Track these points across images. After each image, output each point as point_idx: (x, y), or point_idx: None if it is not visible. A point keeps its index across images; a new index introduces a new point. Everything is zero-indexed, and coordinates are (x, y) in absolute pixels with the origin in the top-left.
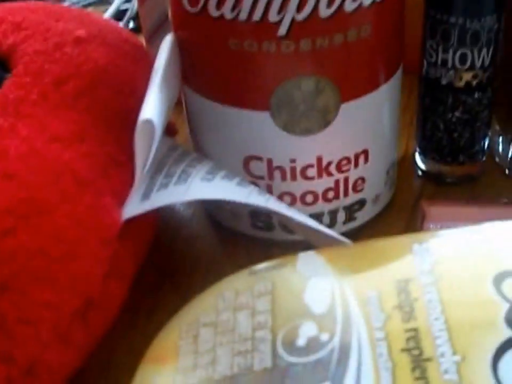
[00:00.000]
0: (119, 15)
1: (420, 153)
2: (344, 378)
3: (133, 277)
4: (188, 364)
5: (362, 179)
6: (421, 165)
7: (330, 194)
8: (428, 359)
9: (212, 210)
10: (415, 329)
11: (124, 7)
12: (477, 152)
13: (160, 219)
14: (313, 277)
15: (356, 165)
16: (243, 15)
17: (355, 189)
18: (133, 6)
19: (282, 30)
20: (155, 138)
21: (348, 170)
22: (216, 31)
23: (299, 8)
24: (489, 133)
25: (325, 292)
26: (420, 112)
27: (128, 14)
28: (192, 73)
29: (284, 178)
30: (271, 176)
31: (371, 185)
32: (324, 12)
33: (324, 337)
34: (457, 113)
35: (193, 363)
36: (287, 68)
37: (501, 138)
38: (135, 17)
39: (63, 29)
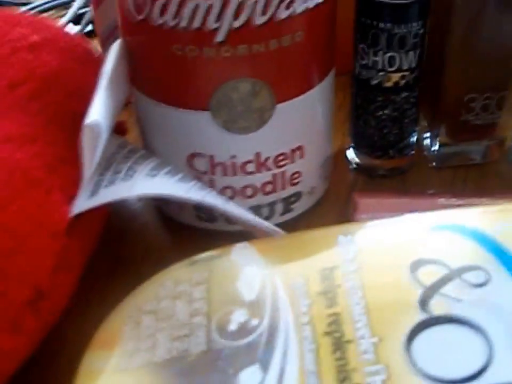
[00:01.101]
0: (77, 18)
1: (353, 148)
2: (271, 360)
3: (82, 269)
4: (131, 348)
5: (299, 173)
6: (354, 159)
7: (269, 188)
8: (348, 341)
9: (160, 203)
10: (337, 314)
11: (82, 11)
12: (406, 147)
13: (113, 212)
14: (245, 267)
15: (292, 160)
16: (183, 23)
17: (292, 182)
18: (91, 10)
19: (220, 37)
20: (101, 140)
21: (285, 165)
22: (160, 37)
23: (235, 16)
24: (417, 129)
25: (256, 280)
26: (353, 110)
27: (86, 18)
28: (139, 76)
29: (225, 173)
30: (213, 172)
31: (307, 179)
32: (259, 19)
33: (254, 322)
34: (386, 111)
35: (136, 348)
36: (225, 71)
37: (427, 134)
38: (93, 21)
39: (19, 35)
